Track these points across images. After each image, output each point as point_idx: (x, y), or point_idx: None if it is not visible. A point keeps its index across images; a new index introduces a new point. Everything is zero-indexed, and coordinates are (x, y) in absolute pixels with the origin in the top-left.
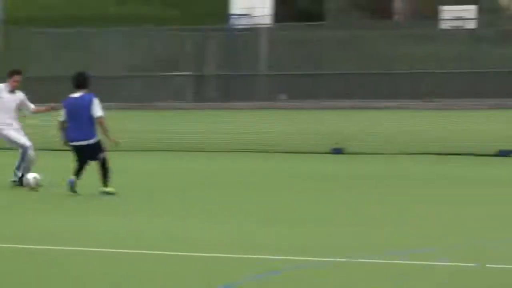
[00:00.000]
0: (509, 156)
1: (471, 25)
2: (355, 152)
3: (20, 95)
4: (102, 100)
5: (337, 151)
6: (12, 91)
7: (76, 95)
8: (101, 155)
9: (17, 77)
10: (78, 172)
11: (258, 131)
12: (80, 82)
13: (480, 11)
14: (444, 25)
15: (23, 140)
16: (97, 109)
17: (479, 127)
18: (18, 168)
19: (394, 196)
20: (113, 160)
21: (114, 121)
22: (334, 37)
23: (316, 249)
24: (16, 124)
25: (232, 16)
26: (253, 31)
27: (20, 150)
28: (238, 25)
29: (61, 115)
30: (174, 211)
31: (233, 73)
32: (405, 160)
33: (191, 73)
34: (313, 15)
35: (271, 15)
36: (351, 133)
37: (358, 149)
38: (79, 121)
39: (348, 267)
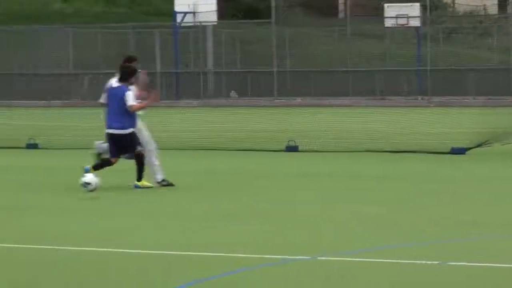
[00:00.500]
0: (462, 154)
1: (416, 22)
2: (310, 150)
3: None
4: (49, 98)
5: (292, 149)
6: None
7: (116, 85)
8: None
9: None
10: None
11: (215, 128)
12: (122, 74)
13: (424, 8)
14: (389, 22)
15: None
16: (132, 100)
17: (430, 124)
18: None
19: (351, 194)
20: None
21: (54, 119)
22: (280, 34)
23: (280, 247)
24: None
25: (177, 14)
26: (198, 28)
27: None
28: (184, 22)
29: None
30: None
31: (182, 71)
32: (359, 158)
33: (139, 71)
34: (258, 12)
35: (215, 11)
36: (306, 131)
37: (313, 147)
38: (113, 109)
39: (312, 265)
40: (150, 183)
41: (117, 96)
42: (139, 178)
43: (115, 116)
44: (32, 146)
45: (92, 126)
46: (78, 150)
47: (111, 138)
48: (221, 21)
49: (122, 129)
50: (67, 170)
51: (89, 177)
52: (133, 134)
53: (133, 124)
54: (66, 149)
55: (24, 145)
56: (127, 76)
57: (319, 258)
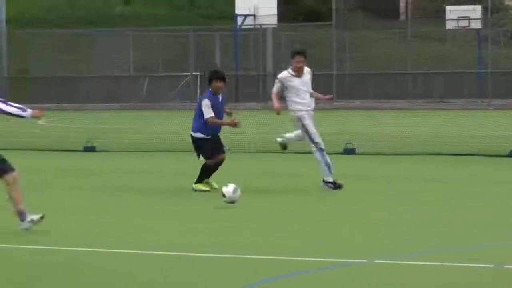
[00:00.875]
0: None
1: (477, 25)
2: (367, 152)
3: (307, 76)
4: (107, 100)
5: (349, 151)
6: (297, 74)
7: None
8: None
9: (297, 58)
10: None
11: (270, 131)
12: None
13: (485, 11)
14: (450, 25)
15: (318, 137)
16: (204, 111)
17: (489, 127)
18: (328, 170)
19: (406, 197)
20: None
21: (112, 121)
22: (340, 37)
23: (333, 250)
24: (311, 109)
25: (238, 16)
26: (259, 31)
27: (317, 153)
28: (244, 25)
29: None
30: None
31: (241, 74)
32: (416, 161)
33: (198, 73)
34: (319, 15)
35: (276, 14)
36: (363, 133)
37: (370, 150)
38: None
39: (369, 269)
40: (206, 187)
41: (199, 100)
42: (196, 181)
43: (194, 118)
44: (90, 149)
45: (150, 129)
46: (135, 153)
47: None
48: (281, 24)
49: (193, 131)
50: (122, 173)
51: (227, 188)
52: (200, 140)
53: (201, 130)
54: (123, 152)
55: (81, 148)
56: (208, 81)
57: (376, 261)
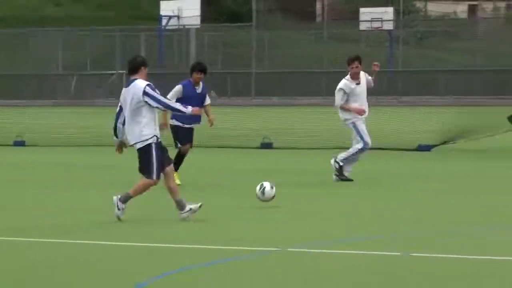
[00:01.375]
0: (428, 150)
1: (389, 26)
2: (284, 147)
3: (363, 80)
4: (40, 97)
5: (267, 146)
6: (357, 81)
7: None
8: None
9: (354, 64)
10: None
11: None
12: None
13: (397, 12)
14: (363, 26)
15: (368, 138)
16: (170, 93)
17: (398, 123)
18: (344, 158)
19: (320, 191)
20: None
21: (41, 117)
22: (260, 37)
23: (246, 240)
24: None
25: (163, 17)
26: (182, 32)
27: (359, 146)
28: (168, 25)
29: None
30: None
31: (166, 72)
32: (328, 154)
33: (123, 71)
34: (239, 16)
35: (199, 15)
36: (280, 129)
37: (286, 144)
38: None
39: (280, 257)
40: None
41: None
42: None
43: None
44: (19, 143)
45: (77, 124)
46: (63, 148)
47: None
48: (204, 25)
49: (171, 119)
50: (51, 167)
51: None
52: (175, 127)
53: (177, 117)
54: (51, 147)
55: (11, 143)
56: (190, 72)
57: (289, 249)
